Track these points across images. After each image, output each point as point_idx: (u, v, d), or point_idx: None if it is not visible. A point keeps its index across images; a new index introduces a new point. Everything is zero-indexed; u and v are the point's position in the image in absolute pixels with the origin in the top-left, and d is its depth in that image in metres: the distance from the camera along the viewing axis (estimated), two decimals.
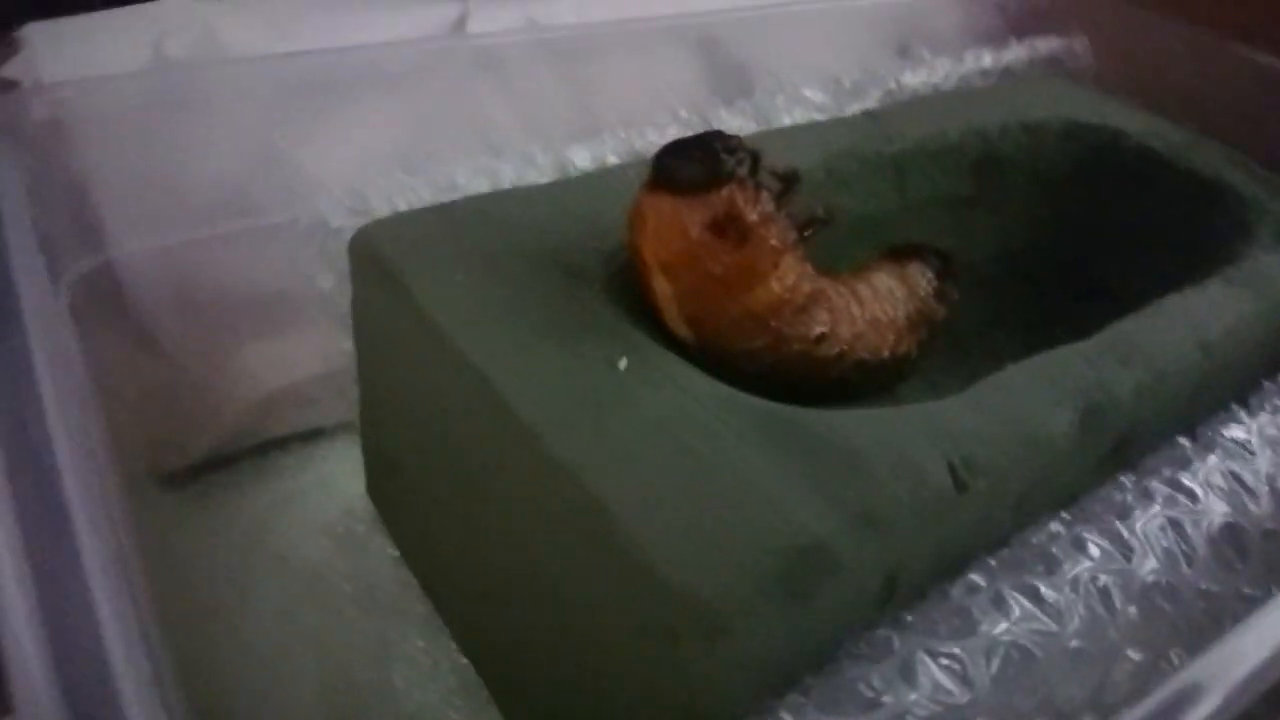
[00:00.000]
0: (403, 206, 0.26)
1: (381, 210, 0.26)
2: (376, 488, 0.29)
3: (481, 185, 0.27)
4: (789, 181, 0.22)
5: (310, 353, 0.30)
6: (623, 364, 0.20)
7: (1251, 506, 0.21)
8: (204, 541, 0.29)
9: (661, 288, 0.22)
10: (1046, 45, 0.41)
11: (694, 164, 0.21)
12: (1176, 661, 0.19)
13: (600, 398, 0.19)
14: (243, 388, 0.30)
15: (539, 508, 0.18)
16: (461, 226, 0.24)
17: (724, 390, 0.20)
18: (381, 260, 0.23)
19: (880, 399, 0.28)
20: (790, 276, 0.22)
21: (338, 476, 0.31)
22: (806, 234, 0.23)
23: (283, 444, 0.32)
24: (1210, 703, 0.15)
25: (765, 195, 0.21)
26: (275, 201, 0.27)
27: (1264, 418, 0.23)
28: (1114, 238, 0.34)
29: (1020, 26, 0.42)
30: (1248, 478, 0.21)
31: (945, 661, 0.17)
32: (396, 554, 0.29)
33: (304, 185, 0.27)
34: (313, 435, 0.33)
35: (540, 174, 0.28)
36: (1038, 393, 0.21)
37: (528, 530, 0.19)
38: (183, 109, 0.25)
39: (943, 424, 0.19)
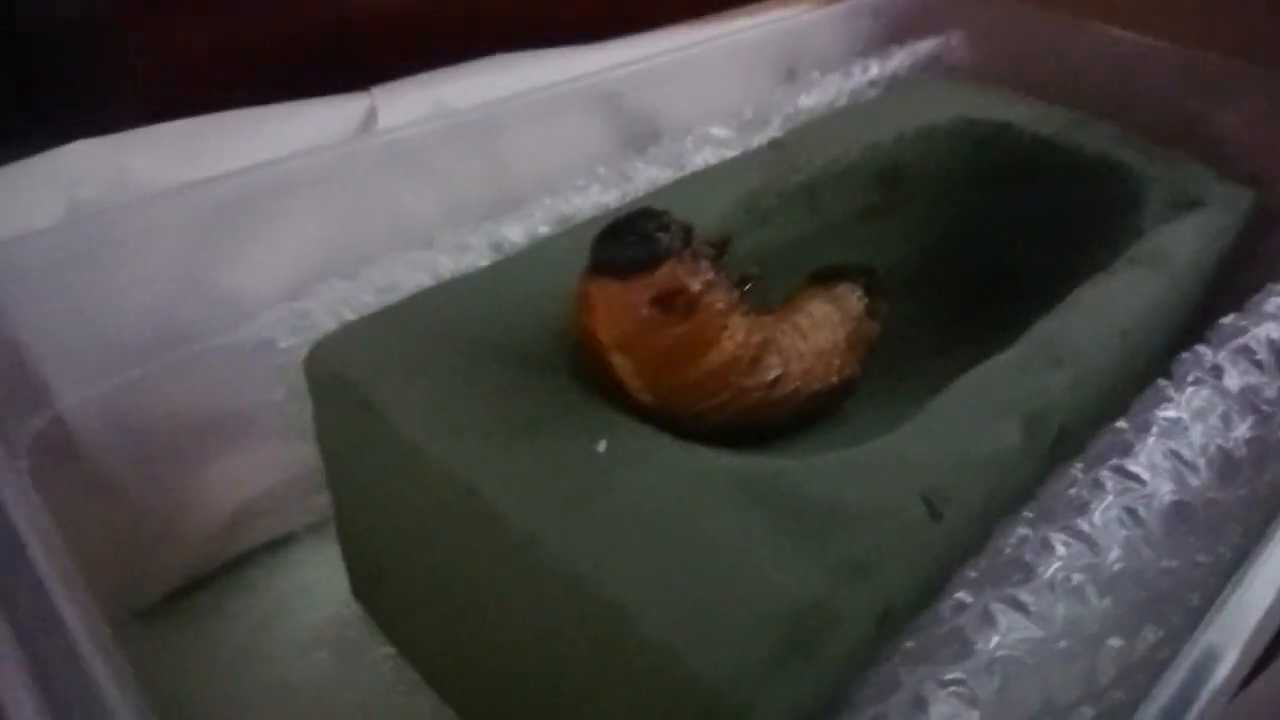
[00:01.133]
0: (348, 314, 0.26)
1: (326, 322, 0.26)
2: (362, 590, 0.29)
3: (422, 280, 0.27)
4: (721, 246, 0.23)
5: (268, 464, 0.30)
6: (601, 446, 0.21)
7: (1192, 480, 0.23)
8: (194, 671, 0.29)
9: (620, 363, 0.22)
10: (926, 47, 0.43)
11: (632, 248, 0.22)
12: (1153, 639, 0.20)
13: (587, 489, 0.19)
14: (205, 511, 0.30)
15: (544, 608, 0.19)
16: (412, 329, 0.24)
17: (701, 456, 0.21)
18: (342, 379, 0.23)
19: (833, 422, 0.29)
20: (740, 333, 0.23)
21: (317, 582, 0.31)
22: (746, 289, 0.24)
23: (254, 557, 0.32)
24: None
25: (704, 263, 0.22)
26: (213, 326, 0.27)
27: (1189, 391, 0.25)
28: (1016, 226, 0.36)
29: (897, 31, 0.44)
30: (1185, 452, 0.23)
31: (952, 688, 0.18)
32: (393, 651, 0.29)
33: (242, 305, 0.27)
34: (284, 542, 0.32)
35: (477, 256, 0.29)
36: (983, 409, 0.22)
37: (536, 630, 0.20)
38: (105, 252, 0.25)
39: (906, 457, 0.21)
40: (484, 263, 0.29)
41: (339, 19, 0.33)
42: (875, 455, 0.21)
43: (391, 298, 0.26)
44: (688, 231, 0.22)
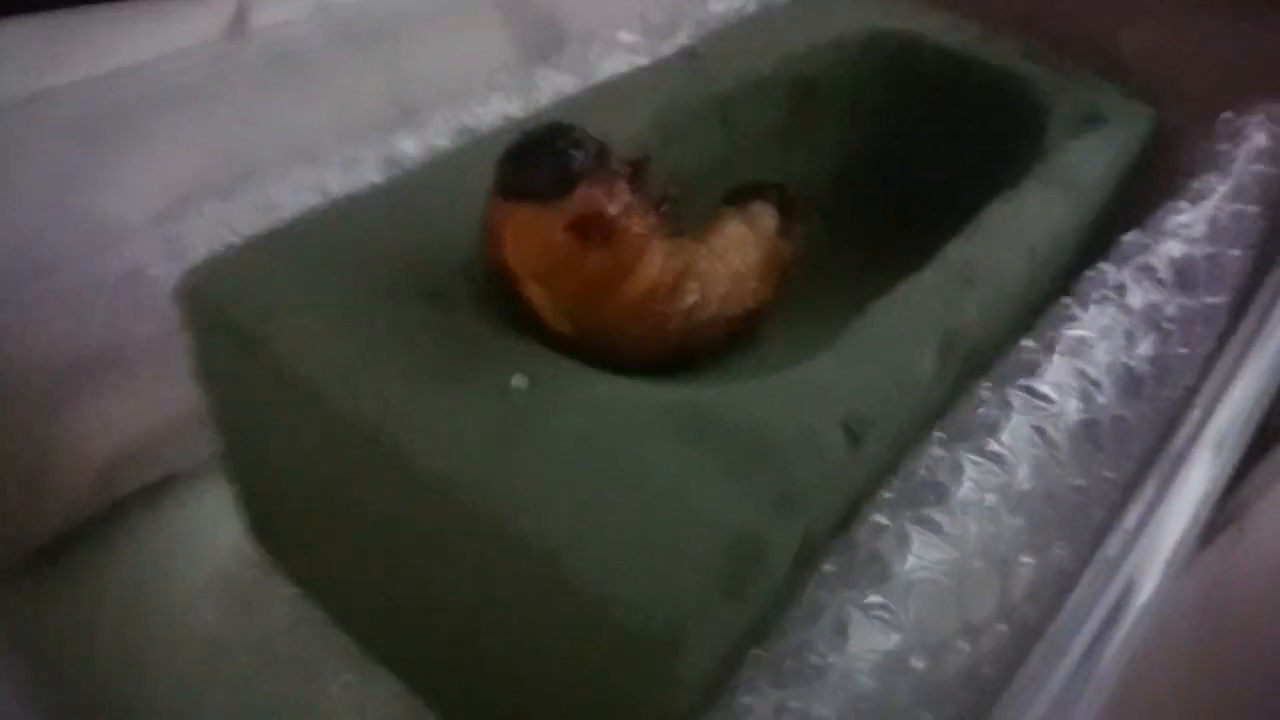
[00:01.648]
0: (226, 238, 0.24)
1: (202, 248, 0.24)
2: (260, 530, 0.27)
3: (308, 199, 0.25)
4: (639, 166, 0.22)
5: (142, 405, 0.28)
6: (518, 381, 0.20)
7: (1099, 398, 0.23)
8: (77, 629, 0.27)
9: (534, 293, 0.21)
10: None
11: (544, 170, 0.20)
12: (1063, 555, 0.21)
13: (503, 426, 0.18)
14: (75, 458, 0.27)
15: (460, 554, 0.18)
16: (300, 256, 0.22)
17: (623, 388, 0.20)
18: (223, 312, 0.21)
19: (749, 347, 0.29)
20: (659, 258, 0.22)
21: (205, 525, 0.29)
22: (662, 210, 0.23)
23: (133, 503, 0.30)
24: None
25: (620, 185, 0.21)
26: (75, 254, 0.24)
27: (1094, 309, 0.25)
28: (925, 143, 0.36)
29: None
30: (1090, 371, 0.23)
31: (874, 612, 0.18)
32: (297, 591, 0.28)
33: (107, 229, 0.24)
34: (165, 486, 0.30)
35: (369, 172, 0.27)
36: (901, 333, 0.22)
37: (452, 576, 0.19)
38: None
39: (827, 383, 0.20)
40: (377, 179, 0.26)
41: None
42: (797, 382, 0.20)
43: (274, 219, 0.24)
44: (602, 150, 0.21)
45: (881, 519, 0.20)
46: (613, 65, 0.34)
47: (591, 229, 0.20)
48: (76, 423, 0.27)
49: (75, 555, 0.28)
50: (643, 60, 0.34)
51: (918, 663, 0.18)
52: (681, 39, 0.36)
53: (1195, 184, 0.29)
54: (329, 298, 0.21)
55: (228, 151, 0.26)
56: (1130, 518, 0.20)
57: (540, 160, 0.20)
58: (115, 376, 0.26)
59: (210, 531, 0.29)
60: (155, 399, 0.27)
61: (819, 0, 0.38)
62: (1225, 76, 0.36)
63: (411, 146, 0.27)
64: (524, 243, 0.20)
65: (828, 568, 0.20)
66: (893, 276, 0.25)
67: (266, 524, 0.27)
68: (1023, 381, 0.23)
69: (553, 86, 0.32)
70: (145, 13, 0.26)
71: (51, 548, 0.28)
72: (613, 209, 0.21)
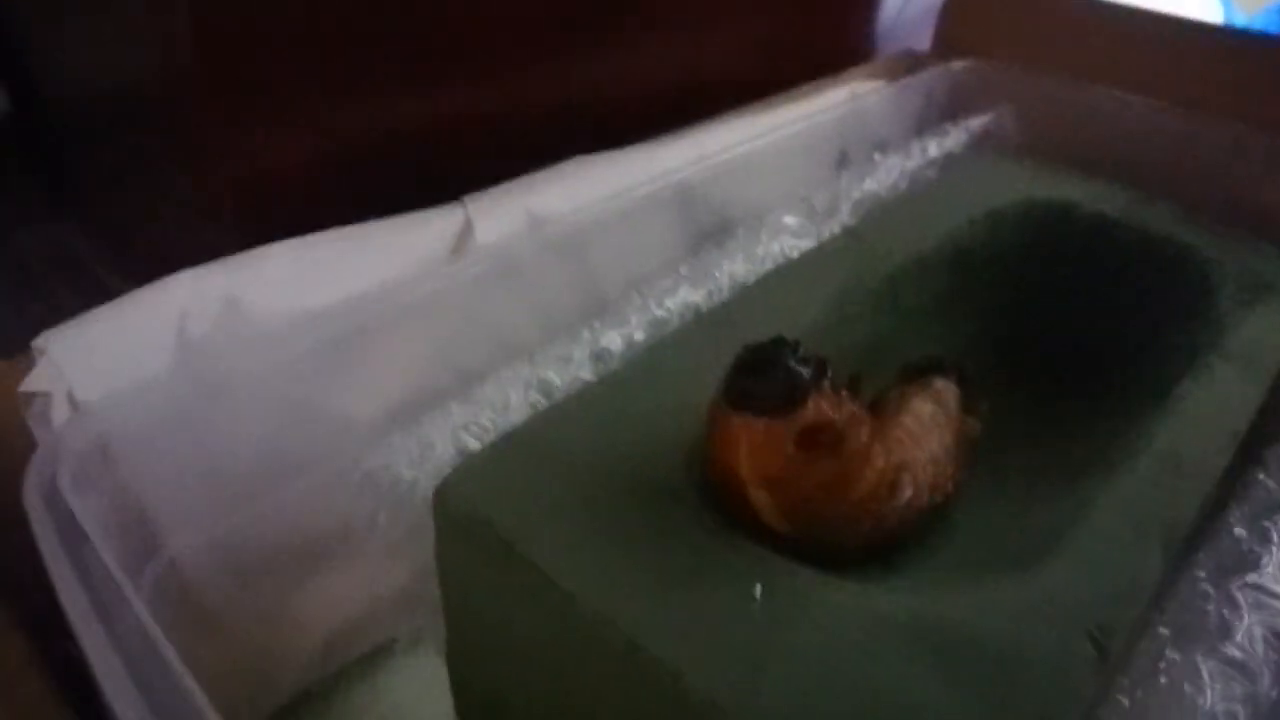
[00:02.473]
0: (468, 440, 0.26)
1: (446, 449, 0.26)
2: (472, 716, 0.28)
3: (533, 397, 0.27)
4: (855, 382, 0.23)
5: (368, 583, 0.30)
6: (757, 592, 0.21)
7: None
8: None
9: (759, 499, 0.22)
10: (978, 123, 0.43)
11: (774, 384, 0.22)
12: None
13: (756, 644, 0.19)
14: (303, 630, 0.30)
15: None
16: (538, 460, 0.24)
17: (865, 599, 0.21)
18: (477, 518, 0.23)
19: (944, 529, 0.29)
20: (880, 460, 0.23)
21: (413, 702, 0.31)
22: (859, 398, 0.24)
23: (347, 675, 0.32)
24: None
25: (844, 397, 0.22)
26: (322, 454, 0.27)
27: None
28: (1086, 311, 0.37)
29: (945, 109, 0.45)
30: None
31: None
32: None
33: (350, 431, 0.27)
34: (382, 656, 0.32)
35: (579, 368, 0.29)
36: (1128, 535, 0.22)
37: None
38: (218, 394, 0.25)
39: (1067, 595, 0.21)
40: (587, 374, 0.29)
41: (425, 126, 0.33)
42: (1037, 595, 0.21)
43: (506, 419, 0.26)
44: (822, 364, 0.22)
45: None
46: (780, 247, 0.36)
47: (820, 440, 0.22)
48: (307, 597, 0.29)
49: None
50: (807, 242, 0.36)
51: None
52: (842, 219, 0.38)
53: None
54: (568, 500, 0.23)
55: (453, 354, 0.29)
56: None
57: (770, 375, 0.22)
58: (346, 562, 0.29)
59: (420, 711, 0.30)
60: (378, 581, 0.29)
61: (972, 174, 0.40)
62: None
63: (614, 341, 0.30)
64: (756, 452, 0.22)
65: None
66: (1065, 442, 0.25)
67: (481, 712, 0.28)
68: (1249, 579, 0.23)
69: (729, 273, 0.34)
70: (386, 231, 0.29)
71: (279, 713, 0.30)
72: (840, 420, 0.22)
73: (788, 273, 0.33)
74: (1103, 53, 0.44)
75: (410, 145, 0.33)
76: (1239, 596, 0.23)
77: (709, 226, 0.37)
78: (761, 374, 0.22)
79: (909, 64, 0.48)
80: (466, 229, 0.30)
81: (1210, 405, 0.27)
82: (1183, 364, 0.30)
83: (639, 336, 0.30)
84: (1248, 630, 0.22)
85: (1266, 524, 0.25)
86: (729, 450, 0.22)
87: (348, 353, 0.27)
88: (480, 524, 0.23)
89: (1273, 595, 0.23)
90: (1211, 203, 0.38)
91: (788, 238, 0.36)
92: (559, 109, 0.39)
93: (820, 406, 0.22)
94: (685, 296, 0.32)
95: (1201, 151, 0.41)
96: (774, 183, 0.39)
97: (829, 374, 0.22)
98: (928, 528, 0.29)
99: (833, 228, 0.37)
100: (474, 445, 0.25)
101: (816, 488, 0.22)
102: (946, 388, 0.31)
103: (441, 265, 0.29)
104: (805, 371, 0.22)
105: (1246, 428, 0.27)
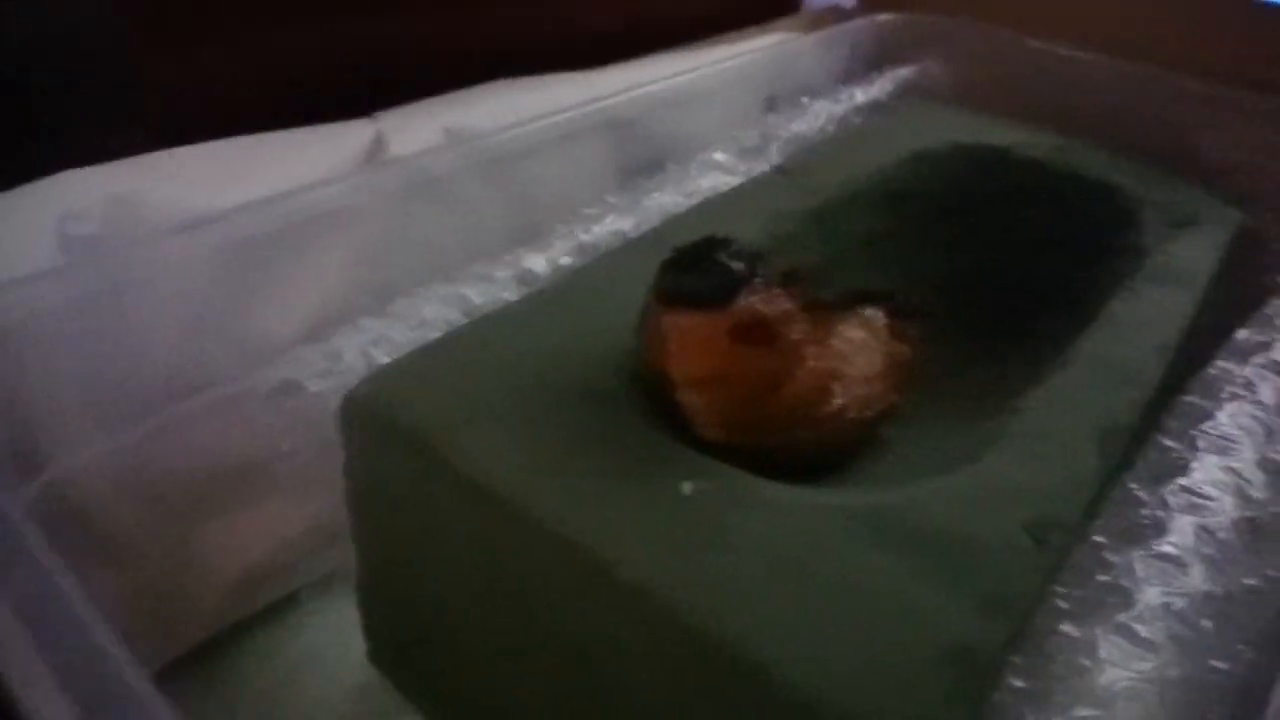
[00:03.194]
0: (380, 356, 0.25)
1: (357, 364, 0.24)
2: (386, 654, 0.27)
3: (452, 315, 0.26)
4: (790, 275, 0.23)
5: (277, 520, 0.28)
6: (687, 488, 0.20)
7: (1254, 494, 0.23)
8: None
9: (690, 400, 0.21)
10: (906, 73, 0.43)
11: (707, 277, 0.21)
12: (1250, 660, 0.20)
13: (692, 536, 0.18)
14: (211, 573, 0.27)
15: (659, 666, 0.18)
16: (460, 367, 0.23)
17: (797, 495, 0.20)
18: (392, 424, 0.21)
19: (877, 451, 0.29)
20: (811, 361, 0.22)
21: (327, 646, 0.29)
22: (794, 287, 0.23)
23: (259, 621, 0.29)
24: None
25: (778, 292, 0.22)
26: (229, 371, 0.25)
27: (1228, 407, 0.25)
28: (1017, 248, 0.37)
29: (874, 59, 0.45)
30: (1240, 468, 0.23)
31: None
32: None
33: (261, 347, 0.25)
34: (289, 604, 0.30)
35: (502, 289, 0.27)
36: (1065, 431, 0.22)
37: (646, 694, 0.18)
38: (115, 295, 0.23)
39: (1005, 486, 0.20)
40: (510, 295, 0.27)
41: (348, 46, 0.31)
42: (973, 484, 0.20)
43: (423, 335, 0.25)
44: (756, 259, 0.22)
45: (1069, 629, 0.20)
46: (710, 183, 0.35)
47: (754, 335, 0.21)
48: (215, 537, 0.27)
49: (205, 669, 0.28)
50: (736, 179, 0.35)
51: None
52: (772, 158, 0.37)
53: None
54: (499, 405, 0.21)
55: (371, 270, 0.27)
56: None
57: (704, 269, 0.21)
58: (255, 493, 0.27)
59: (330, 655, 0.28)
60: (289, 516, 0.27)
61: (900, 119, 0.40)
62: None
63: (539, 264, 0.28)
64: (688, 348, 0.21)
65: (1016, 681, 0.19)
66: (998, 370, 0.24)
67: (398, 647, 0.26)
68: (1178, 481, 0.23)
69: (659, 204, 0.33)
70: (293, 142, 0.27)
71: (174, 664, 0.28)
72: (772, 315, 0.21)
73: (718, 202, 0.33)
74: (1036, 5, 0.45)
75: (337, 71, 0.31)
76: (1171, 500, 0.23)
77: (640, 161, 0.36)
78: (693, 269, 0.21)
79: (835, 17, 0.48)
80: (378, 143, 0.28)
81: (1139, 318, 0.27)
82: (1111, 292, 0.30)
83: (565, 261, 0.29)
84: (1180, 529, 0.22)
85: (1193, 433, 0.25)
86: (660, 350, 0.21)
87: (254, 263, 0.25)
88: (394, 430, 0.21)
89: (1203, 496, 0.22)
90: (1141, 150, 0.38)
91: (718, 174, 0.36)
92: (497, 46, 0.37)
93: (754, 302, 0.21)
94: (614, 225, 0.31)
95: (1131, 100, 0.41)
96: (703, 122, 0.38)
97: (763, 270, 0.22)
98: (865, 448, 0.28)
99: (762, 166, 0.36)
100: (385, 361, 0.24)
101: (749, 387, 0.21)
102: (875, 315, 0.30)
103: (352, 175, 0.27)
104: (738, 266, 0.21)
105: (1176, 340, 0.27)
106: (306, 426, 0.24)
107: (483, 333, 0.24)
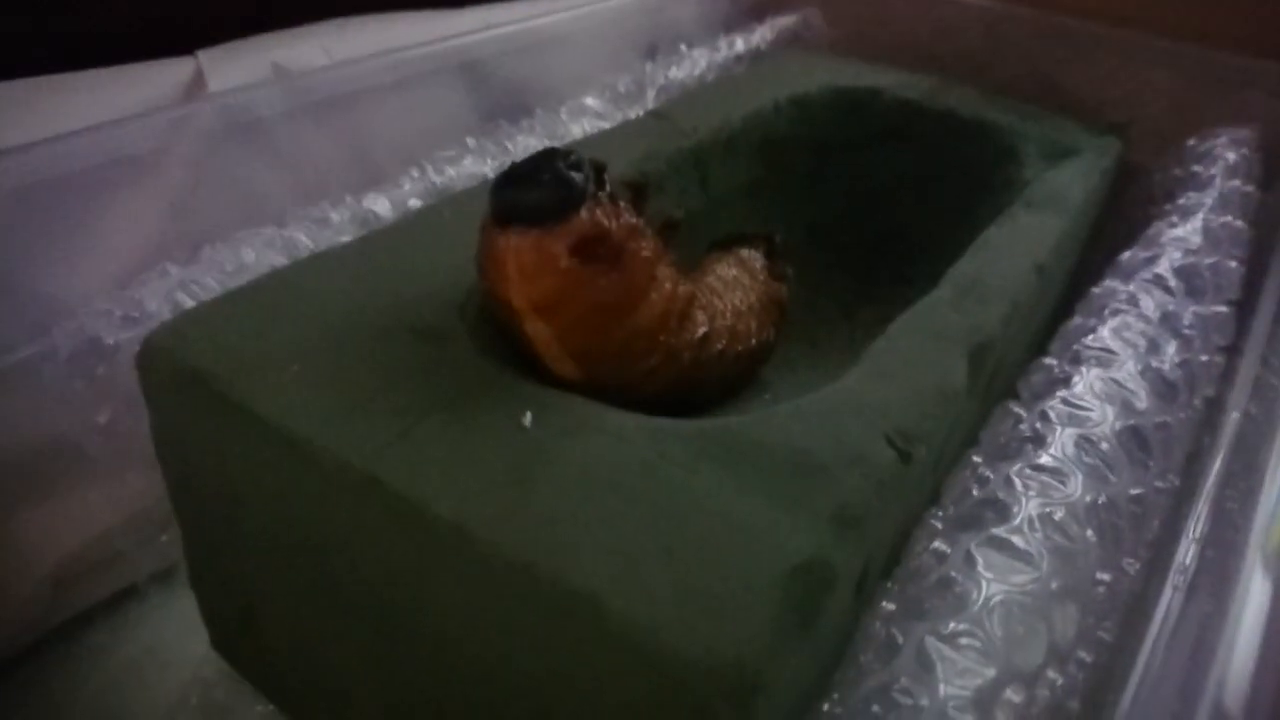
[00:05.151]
0: (188, 302, 0.22)
1: (164, 313, 0.22)
2: (226, 641, 0.24)
3: (277, 260, 0.23)
4: (639, 189, 0.21)
5: (96, 504, 0.25)
6: (527, 419, 0.18)
7: (1137, 404, 0.22)
8: None
9: (536, 330, 0.19)
10: (785, 22, 0.42)
11: (544, 190, 0.18)
12: (1137, 566, 0.19)
13: (519, 467, 0.16)
14: (21, 569, 0.24)
15: (487, 608, 0.16)
16: (272, 310, 0.20)
17: (641, 421, 0.18)
18: (192, 370, 0.19)
19: (755, 390, 0.27)
20: (667, 284, 0.21)
21: (169, 640, 0.26)
22: (667, 236, 0.22)
23: (89, 619, 0.26)
24: None
25: (623, 206, 0.20)
26: (22, 334, 0.22)
27: (1111, 322, 0.24)
28: (897, 188, 0.36)
29: (753, 9, 0.44)
30: (1123, 379, 0.22)
31: (961, 639, 0.16)
32: (269, 709, 0.24)
33: (56, 308, 0.22)
34: (124, 598, 0.27)
35: (339, 233, 0.25)
36: (929, 348, 0.21)
37: (474, 642, 0.16)
38: None
39: (864, 400, 0.19)
40: (348, 239, 0.25)
41: None
42: (832, 401, 0.18)
43: (243, 280, 0.22)
44: (601, 169, 0.20)
45: (941, 545, 0.18)
46: (581, 130, 0.33)
47: (598, 251, 0.19)
48: (22, 530, 0.24)
49: (19, 679, 0.24)
50: (610, 125, 0.34)
51: (1015, 695, 0.16)
52: (646, 104, 0.35)
53: (1181, 201, 0.29)
54: (312, 346, 0.19)
55: (187, 219, 0.24)
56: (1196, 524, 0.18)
57: (540, 181, 0.19)
58: (66, 473, 0.24)
59: (172, 648, 0.26)
60: (111, 498, 0.24)
61: (777, 66, 0.38)
62: (1166, 108, 0.37)
63: (383, 207, 0.26)
64: (527, 271, 0.19)
65: (888, 604, 0.18)
66: (884, 316, 0.23)
67: (234, 631, 0.23)
68: (1059, 395, 0.22)
69: (524, 147, 0.31)
70: (101, 80, 0.24)
71: (6, 665, 0.24)
72: (619, 230, 0.19)
73: (589, 143, 0.31)
74: None
75: (160, 6, 0.28)
76: (1051, 412, 0.21)
77: (504, 109, 0.34)
78: (530, 182, 0.19)
79: None
80: (197, 82, 0.25)
81: (1012, 240, 0.26)
82: (989, 222, 0.29)
83: (414, 204, 0.27)
84: (1061, 441, 0.20)
85: (1076, 348, 0.24)
86: (499, 274, 0.19)
87: (49, 208, 0.22)
88: (190, 378, 0.18)
89: (1083, 408, 0.21)
90: (1019, 89, 0.38)
91: (590, 119, 0.34)
92: None
93: (596, 216, 0.19)
94: (473, 168, 0.29)
95: (1009, 41, 0.41)
96: (576, 68, 0.36)
97: (607, 184, 0.20)
98: (744, 391, 0.27)
99: (637, 112, 0.35)
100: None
101: (597, 308, 0.19)
102: (752, 255, 0.29)
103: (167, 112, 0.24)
104: (578, 177, 0.19)
105: (1051, 259, 0.26)
106: (122, 394, 0.21)
107: (305, 274, 0.21)
